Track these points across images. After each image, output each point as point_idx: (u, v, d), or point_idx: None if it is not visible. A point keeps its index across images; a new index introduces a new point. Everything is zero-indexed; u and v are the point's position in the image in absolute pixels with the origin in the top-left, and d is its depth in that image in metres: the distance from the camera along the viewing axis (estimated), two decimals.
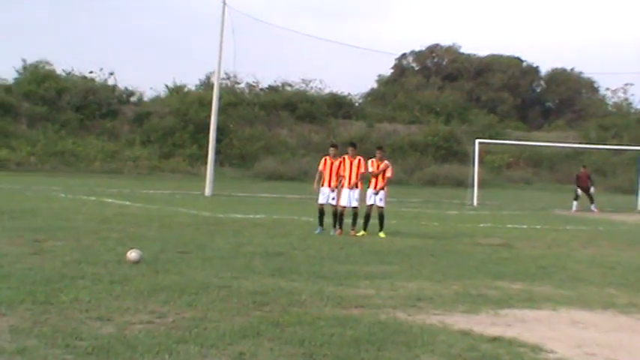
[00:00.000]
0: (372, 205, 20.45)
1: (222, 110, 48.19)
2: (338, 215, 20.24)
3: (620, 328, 9.56)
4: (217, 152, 44.78)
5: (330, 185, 20.26)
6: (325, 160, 20.51)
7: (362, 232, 20.11)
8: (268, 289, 10.86)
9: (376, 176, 20.54)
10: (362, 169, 20.37)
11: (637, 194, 42.03)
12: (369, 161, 20.61)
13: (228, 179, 51.48)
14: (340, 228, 20.14)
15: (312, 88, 73.78)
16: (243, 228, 20.26)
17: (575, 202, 37.38)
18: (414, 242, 18.57)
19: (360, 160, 20.46)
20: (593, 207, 36.85)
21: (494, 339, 8.43)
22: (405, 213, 28.43)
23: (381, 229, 20.12)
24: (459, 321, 9.35)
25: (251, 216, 24.40)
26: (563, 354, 8.04)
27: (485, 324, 9.28)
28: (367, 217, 20.35)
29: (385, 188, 20.61)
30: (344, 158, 20.47)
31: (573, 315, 10.18)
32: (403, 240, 19.05)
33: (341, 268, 13.45)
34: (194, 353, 7.37)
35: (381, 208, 20.41)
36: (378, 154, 20.83)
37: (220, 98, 44.10)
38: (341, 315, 9.33)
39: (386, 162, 20.73)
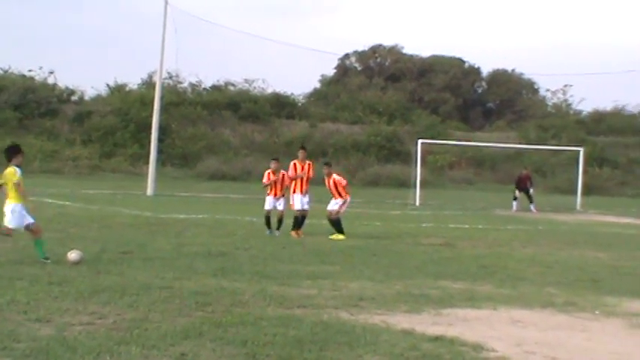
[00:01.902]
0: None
1: (164, 109, 47.83)
2: (299, 219, 20.18)
3: (558, 327, 9.69)
4: (159, 152, 44.45)
5: (275, 196, 20.19)
6: (269, 174, 20.36)
7: (336, 236, 19.98)
8: (211, 289, 10.82)
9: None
10: (311, 174, 20.45)
11: (576, 194, 42.67)
12: (291, 163, 20.58)
13: (170, 179, 51.12)
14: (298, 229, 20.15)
15: (255, 87, 73.61)
16: (185, 228, 20.16)
17: (514, 202, 37.83)
18: (356, 242, 18.62)
19: (309, 164, 20.53)
20: (532, 207, 37.32)
21: (436, 338, 8.48)
22: (348, 213, 28.41)
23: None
24: (401, 320, 9.39)
25: (193, 216, 24.27)
26: (504, 352, 8.12)
27: (427, 323, 9.34)
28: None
29: (343, 193, 20.56)
30: (294, 164, 20.44)
31: (513, 314, 10.30)
32: (346, 240, 19.09)
33: (284, 268, 13.45)
34: (135, 354, 7.30)
35: (331, 212, 20.39)
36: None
37: (162, 97, 43.80)
38: (284, 315, 9.33)
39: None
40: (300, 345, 7.88)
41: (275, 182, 20.20)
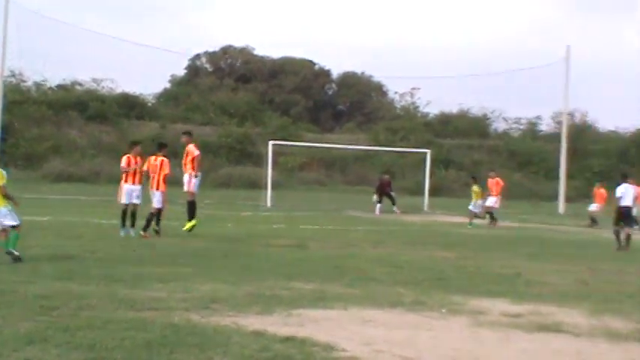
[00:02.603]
0: None
1: (6, 109, 46.39)
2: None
3: (407, 326, 9.85)
4: (2, 152, 43.12)
5: (134, 182, 19.93)
6: (129, 158, 20.11)
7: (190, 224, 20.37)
8: (57, 293, 10.52)
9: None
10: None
11: (424, 195, 43.70)
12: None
13: (14, 180, 49.51)
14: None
15: (103, 87, 72.33)
16: (29, 231, 19.50)
17: (378, 205, 38.34)
18: (207, 244, 18.50)
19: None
20: (395, 209, 38.13)
21: (287, 339, 8.48)
22: (198, 214, 28.27)
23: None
24: (252, 322, 9.36)
25: (38, 218, 23.56)
26: (354, 352, 8.19)
27: (278, 324, 9.33)
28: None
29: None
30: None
31: (364, 314, 10.41)
32: (196, 242, 18.94)
33: (133, 271, 13.22)
34: None
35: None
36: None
37: (5, 96, 42.51)
38: (133, 318, 9.15)
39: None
40: (149, 348, 7.75)
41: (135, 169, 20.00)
